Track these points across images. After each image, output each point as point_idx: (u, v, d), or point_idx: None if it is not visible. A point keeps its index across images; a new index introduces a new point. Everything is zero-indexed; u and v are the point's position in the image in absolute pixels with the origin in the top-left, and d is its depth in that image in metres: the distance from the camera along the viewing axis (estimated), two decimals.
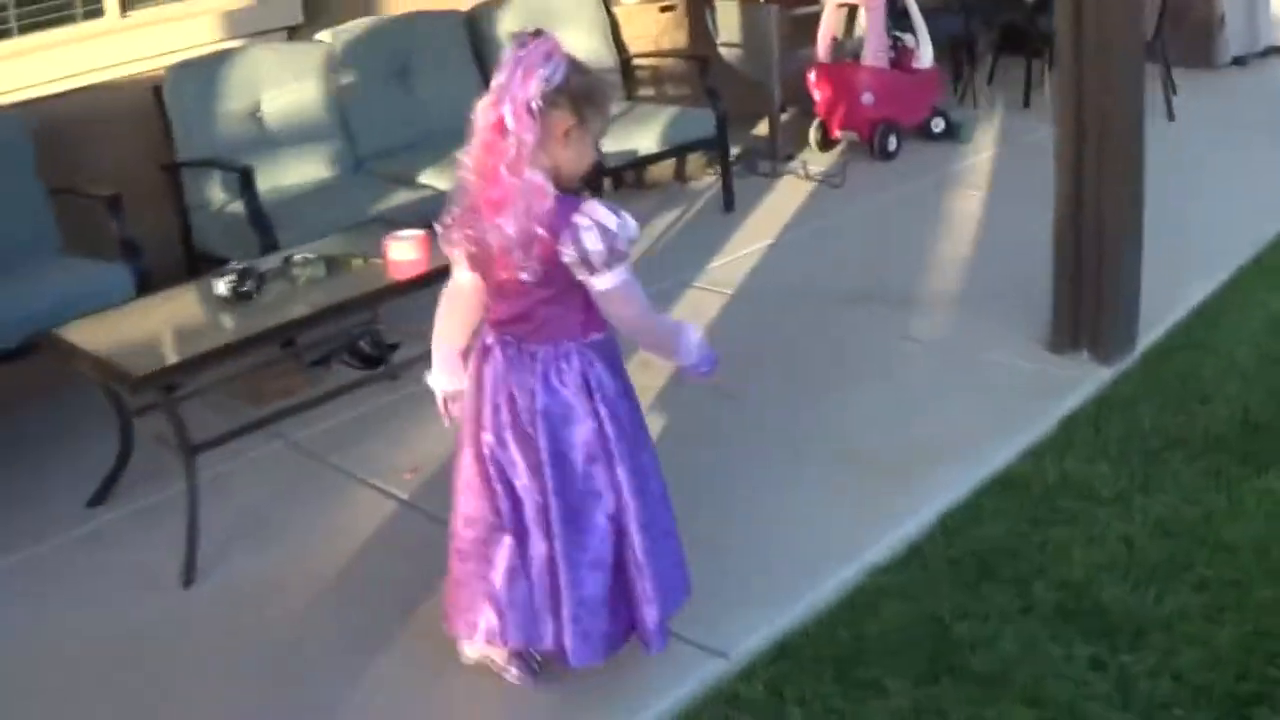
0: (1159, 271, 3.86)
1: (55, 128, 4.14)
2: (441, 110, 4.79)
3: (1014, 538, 2.95)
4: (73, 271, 3.86)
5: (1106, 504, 3.06)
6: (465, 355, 2.43)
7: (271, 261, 3.60)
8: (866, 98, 5.75)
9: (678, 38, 5.62)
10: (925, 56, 5.92)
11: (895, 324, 4.14)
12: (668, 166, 5.73)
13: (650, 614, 2.39)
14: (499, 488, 2.34)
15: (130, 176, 4.19)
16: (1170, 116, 6.18)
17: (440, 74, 4.96)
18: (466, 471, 2.39)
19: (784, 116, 6.03)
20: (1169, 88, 6.22)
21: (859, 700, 2.46)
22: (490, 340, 2.33)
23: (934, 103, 6.02)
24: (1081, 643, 2.57)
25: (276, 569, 3.04)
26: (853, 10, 5.99)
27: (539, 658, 2.53)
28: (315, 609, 2.89)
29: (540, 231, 2.12)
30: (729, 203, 5.34)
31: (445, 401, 2.52)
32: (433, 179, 4.53)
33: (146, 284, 3.78)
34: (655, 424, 3.09)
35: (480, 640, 2.46)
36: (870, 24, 5.74)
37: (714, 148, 5.33)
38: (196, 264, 4.30)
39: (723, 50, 6.02)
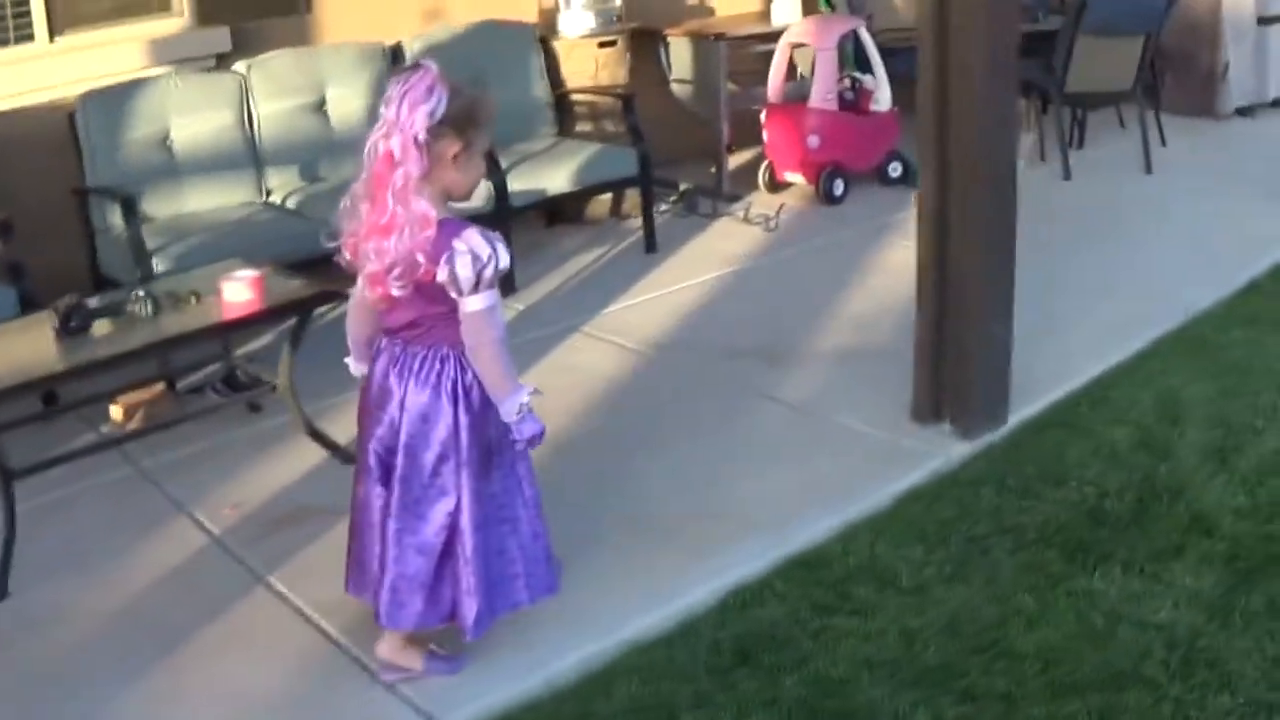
0: (1065, 338, 3.61)
1: None
2: (357, 143, 4.69)
3: (791, 623, 2.74)
4: None
5: (903, 594, 2.83)
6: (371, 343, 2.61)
7: (116, 296, 3.59)
8: (812, 140, 5.54)
9: (617, 74, 5.47)
10: (883, 99, 5.69)
11: (766, 381, 3.93)
12: (605, 202, 5.59)
13: (470, 605, 2.52)
14: (371, 461, 2.54)
15: (45, 200, 4.33)
16: (1148, 169, 5.87)
17: (361, 106, 4.85)
18: (359, 458, 2.59)
19: (740, 157, 5.84)
20: (1147, 140, 5.90)
21: None
22: (383, 343, 2.53)
23: (891, 147, 5.78)
24: None
25: (73, 596, 3.00)
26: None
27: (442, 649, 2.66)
28: (95, 639, 2.84)
29: (420, 258, 2.29)
30: (650, 244, 5.18)
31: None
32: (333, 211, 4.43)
33: (31, 306, 3.82)
34: None
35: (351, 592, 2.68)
36: (819, 65, 5.53)
37: (638, 186, 5.16)
38: (102, 287, 4.30)
39: (675, 87, 5.88)
